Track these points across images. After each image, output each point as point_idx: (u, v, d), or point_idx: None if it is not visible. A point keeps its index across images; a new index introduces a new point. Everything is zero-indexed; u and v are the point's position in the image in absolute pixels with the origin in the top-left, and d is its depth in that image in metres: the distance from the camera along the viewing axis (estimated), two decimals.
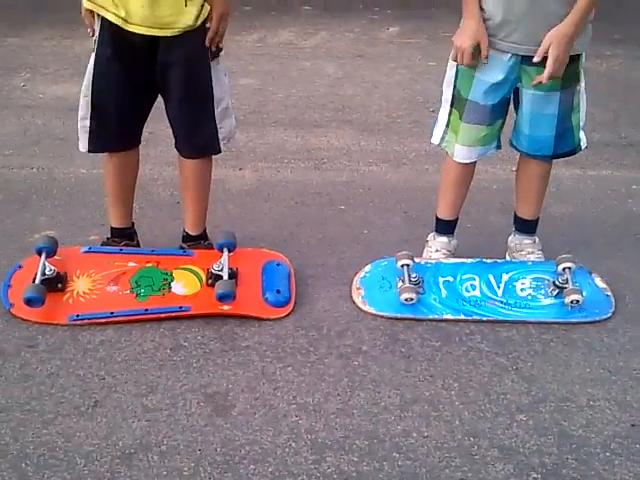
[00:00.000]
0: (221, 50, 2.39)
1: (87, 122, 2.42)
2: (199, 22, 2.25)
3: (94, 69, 2.35)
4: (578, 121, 2.50)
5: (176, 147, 2.53)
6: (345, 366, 2.24)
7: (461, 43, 2.33)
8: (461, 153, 2.53)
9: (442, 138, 2.57)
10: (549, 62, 2.26)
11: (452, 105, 2.49)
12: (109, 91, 2.36)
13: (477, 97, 2.41)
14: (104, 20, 2.27)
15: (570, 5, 2.24)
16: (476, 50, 2.33)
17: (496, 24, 2.30)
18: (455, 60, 2.38)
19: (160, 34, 2.24)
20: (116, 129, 2.44)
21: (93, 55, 2.35)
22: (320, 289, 2.58)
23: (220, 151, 2.52)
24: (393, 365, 2.25)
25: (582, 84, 2.45)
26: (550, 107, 2.41)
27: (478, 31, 2.31)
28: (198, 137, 2.47)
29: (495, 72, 2.37)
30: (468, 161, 2.56)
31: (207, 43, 2.30)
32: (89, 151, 2.48)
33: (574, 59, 2.35)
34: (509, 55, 2.34)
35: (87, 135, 2.44)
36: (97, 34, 2.32)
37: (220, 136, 2.47)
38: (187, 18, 2.23)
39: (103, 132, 2.44)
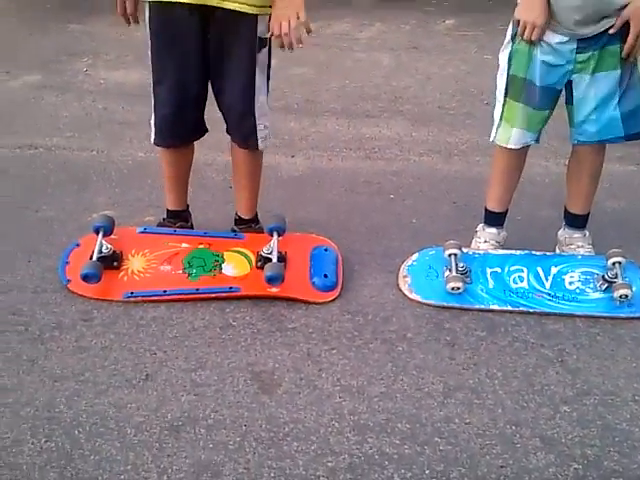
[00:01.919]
0: (265, 44, 2.39)
1: (153, 116, 2.49)
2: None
3: (151, 62, 2.39)
4: None
5: (227, 132, 2.56)
6: (389, 351, 2.27)
7: (533, 18, 2.27)
8: (518, 136, 2.49)
9: (496, 132, 2.55)
10: (630, 37, 2.23)
11: (506, 95, 2.47)
12: (166, 85, 2.40)
13: (534, 77, 2.38)
14: (152, 5, 2.30)
15: None
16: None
17: (552, 5, 2.27)
18: (521, 35, 2.32)
19: (209, 2, 2.24)
20: (172, 126, 2.49)
21: (149, 43, 2.39)
22: (367, 275, 2.61)
23: (258, 148, 2.54)
24: (437, 352, 2.27)
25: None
26: (610, 87, 2.36)
27: (545, 3, 2.26)
28: (239, 129, 2.50)
29: (551, 53, 2.33)
30: (521, 145, 2.52)
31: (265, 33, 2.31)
32: (155, 144, 2.56)
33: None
34: (567, 37, 2.30)
35: (154, 129, 2.51)
36: (147, 23, 2.35)
37: (258, 134, 2.49)
38: None
39: (161, 128, 2.49)
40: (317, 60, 4.45)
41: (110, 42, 4.58)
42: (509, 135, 2.51)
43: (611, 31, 2.26)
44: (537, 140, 2.54)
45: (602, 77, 2.35)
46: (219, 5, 2.25)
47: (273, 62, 2.47)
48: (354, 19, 5.09)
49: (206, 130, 2.57)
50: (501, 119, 2.52)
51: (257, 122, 2.47)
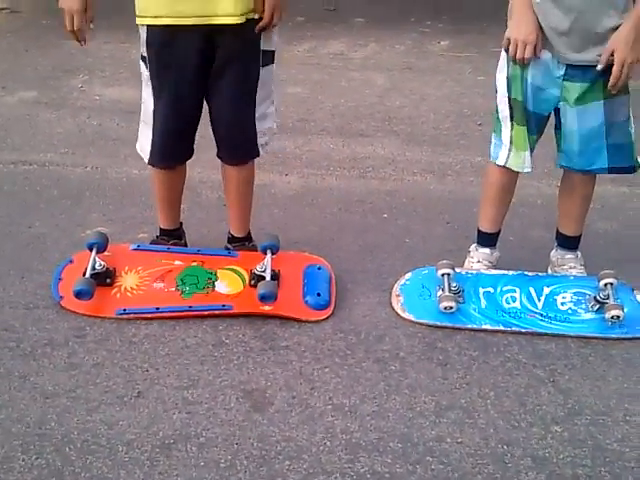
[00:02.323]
0: (273, 57, 2.43)
1: (149, 138, 2.48)
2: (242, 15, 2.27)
3: (151, 84, 2.40)
4: (633, 137, 2.43)
5: (218, 155, 2.57)
6: (382, 370, 2.27)
7: (525, 36, 2.26)
8: (528, 160, 2.48)
9: (508, 157, 2.51)
10: (614, 68, 2.23)
11: (512, 119, 2.45)
12: (166, 107, 2.40)
13: (526, 101, 2.39)
14: (151, 31, 2.31)
15: (619, 17, 2.22)
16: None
17: (546, 29, 2.28)
18: (513, 55, 2.31)
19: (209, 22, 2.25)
20: (171, 148, 2.50)
21: (145, 70, 2.40)
22: (360, 294, 2.61)
23: (258, 154, 2.55)
24: (430, 372, 2.27)
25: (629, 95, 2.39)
26: (596, 119, 2.36)
27: (535, 22, 2.26)
28: (237, 139, 2.51)
29: (544, 78, 2.34)
30: (529, 169, 2.51)
31: (256, 30, 2.31)
32: (149, 164, 2.56)
33: None
34: (557, 65, 2.32)
35: (149, 148, 2.51)
36: (144, 49, 2.36)
37: (259, 140, 2.51)
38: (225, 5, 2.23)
39: (160, 148, 2.49)
40: (312, 79, 4.48)
41: (105, 59, 4.61)
42: (522, 160, 2.49)
43: (598, 67, 2.26)
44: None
45: (587, 109, 2.35)
46: (209, 22, 2.25)
47: (274, 72, 2.49)
48: (349, 39, 5.13)
49: (193, 151, 2.57)
50: (511, 143, 2.48)
51: (258, 131, 2.49)
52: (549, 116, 2.47)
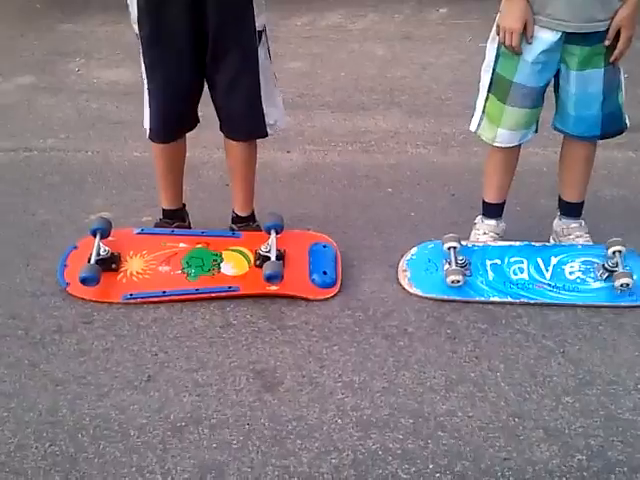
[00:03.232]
0: (262, 34, 2.40)
1: (146, 112, 2.49)
2: None
3: (143, 56, 2.39)
4: (622, 100, 2.47)
5: (221, 129, 2.56)
6: (391, 346, 2.27)
7: (510, 24, 2.29)
8: (505, 137, 2.51)
9: (478, 125, 2.55)
10: (620, 44, 2.28)
11: (489, 90, 2.47)
12: (161, 80, 2.40)
13: (523, 79, 2.38)
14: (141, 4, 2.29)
15: None
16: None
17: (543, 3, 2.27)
18: (503, 42, 2.35)
19: None
20: (166, 123, 2.49)
21: (139, 42, 2.38)
22: (366, 271, 2.60)
23: (267, 134, 2.55)
24: (439, 346, 2.27)
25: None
26: (595, 86, 2.37)
27: (526, 10, 2.27)
28: (245, 121, 2.50)
29: (541, 52, 2.33)
30: (511, 145, 2.53)
31: None
32: (149, 138, 2.55)
33: (616, 34, 2.31)
34: (555, 34, 2.30)
35: (148, 125, 2.51)
36: (135, 22, 2.34)
37: (267, 120, 2.50)
38: None
39: (156, 124, 2.49)
40: (311, 53, 4.43)
41: (101, 41, 4.56)
42: (494, 134, 2.51)
43: (606, 43, 2.29)
44: (536, 130, 2.55)
45: (587, 75, 2.35)
46: None
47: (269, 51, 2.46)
48: (347, 10, 5.06)
49: (198, 121, 2.56)
50: (483, 112, 2.52)
51: (265, 109, 2.47)
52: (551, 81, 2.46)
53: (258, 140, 2.61)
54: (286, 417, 2.02)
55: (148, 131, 2.54)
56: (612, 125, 2.47)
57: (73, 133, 3.57)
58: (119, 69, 4.17)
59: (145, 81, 2.45)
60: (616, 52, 2.31)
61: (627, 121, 2.51)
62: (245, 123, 2.51)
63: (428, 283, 2.51)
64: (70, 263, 2.54)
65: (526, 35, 2.30)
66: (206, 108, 2.50)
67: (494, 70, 2.44)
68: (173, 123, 2.52)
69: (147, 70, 2.40)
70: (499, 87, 2.44)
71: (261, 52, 2.41)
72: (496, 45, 2.41)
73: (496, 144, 2.53)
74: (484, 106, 2.51)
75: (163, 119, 2.48)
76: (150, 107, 2.47)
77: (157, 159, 2.64)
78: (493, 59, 2.43)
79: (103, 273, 2.44)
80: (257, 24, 2.35)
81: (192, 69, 2.39)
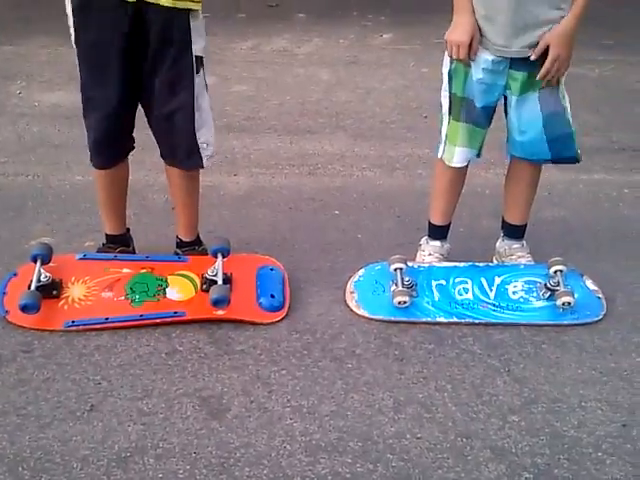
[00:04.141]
0: (202, 62, 2.37)
1: (87, 135, 2.45)
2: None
3: (80, 74, 2.35)
4: (571, 127, 2.46)
5: (161, 156, 2.53)
6: (339, 369, 2.26)
7: (458, 37, 2.32)
8: (460, 156, 2.52)
9: (443, 150, 2.57)
10: (547, 62, 2.29)
11: (450, 113, 2.50)
12: (95, 104, 2.36)
13: (471, 95, 2.42)
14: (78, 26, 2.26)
15: (557, 8, 2.27)
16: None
17: (483, 24, 2.31)
18: (450, 55, 2.38)
19: None
20: (104, 148, 2.46)
21: (76, 58, 2.35)
22: (314, 293, 2.60)
23: (203, 166, 2.51)
24: (386, 368, 2.27)
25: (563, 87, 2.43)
26: (531, 109, 2.40)
27: (472, 24, 2.31)
28: (179, 152, 2.47)
29: (485, 72, 2.37)
30: (461, 164, 2.56)
31: None
32: (90, 161, 2.51)
33: None
34: (499, 58, 2.34)
35: (89, 147, 2.47)
36: (73, 36, 2.30)
37: (203, 152, 2.46)
38: None
39: (95, 145, 2.45)
40: (256, 77, 4.44)
41: (44, 64, 4.49)
42: (452, 154, 2.54)
43: (532, 57, 2.30)
44: (479, 155, 2.58)
45: (524, 99, 2.39)
46: None
47: (212, 79, 2.45)
48: (292, 35, 5.10)
49: (134, 144, 2.53)
50: (446, 137, 2.54)
51: (199, 141, 2.43)
52: (496, 106, 2.49)
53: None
54: (234, 444, 1.99)
55: (89, 155, 2.49)
56: (563, 151, 2.48)
57: (13, 157, 3.49)
58: (61, 92, 4.10)
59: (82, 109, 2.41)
60: (542, 71, 2.30)
61: (579, 151, 2.51)
62: (179, 154, 2.48)
63: (375, 304, 2.52)
64: (9, 290, 2.47)
65: (471, 50, 2.33)
66: (149, 130, 2.47)
67: (450, 92, 2.47)
68: (109, 147, 2.47)
69: (83, 94, 2.36)
70: (455, 106, 2.47)
71: (197, 80, 2.36)
72: (448, 69, 2.44)
73: (454, 164, 2.55)
74: (446, 132, 2.53)
75: (99, 144, 2.44)
76: (88, 132, 2.43)
77: (98, 184, 2.59)
78: (447, 83, 2.47)
79: (44, 300, 2.37)
80: (195, 49, 2.32)
81: (126, 93, 2.35)
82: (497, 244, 2.78)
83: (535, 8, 2.26)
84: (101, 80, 2.31)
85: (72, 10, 2.27)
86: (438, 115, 2.57)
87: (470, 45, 2.32)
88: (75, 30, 2.29)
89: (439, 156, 2.59)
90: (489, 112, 2.48)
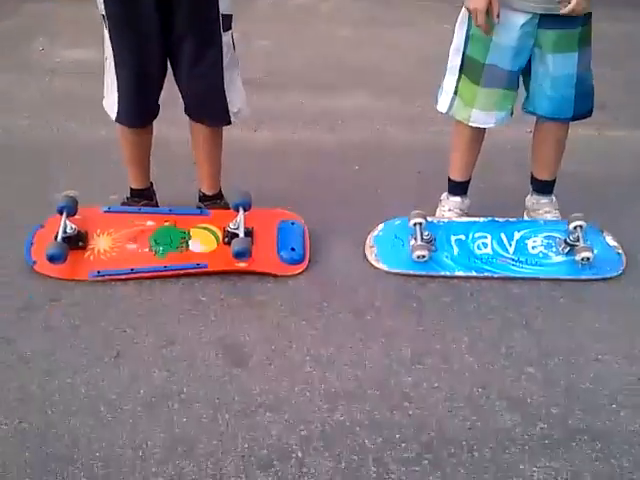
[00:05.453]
0: (231, 21, 2.39)
1: (115, 96, 2.45)
2: None
3: (110, 39, 2.36)
4: (592, 81, 2.51)
5: (186, 112, 2.55)
6: (358, 320, 2.30)
7: (474, 4, 2.32)
8: (480, 118, 2.54)
9: (450, 105, 2.58)
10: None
11: (461, 71, 2.50)
12: (131, 66, 2.37)
13: (496, 61, 2.41)
14: None
15: None
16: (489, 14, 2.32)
17: None
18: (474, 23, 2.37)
19: None
20: (137, 107, 2.48)
21: (104, 24, 2.35)
22: (334, 247, 2.63)
23: (230, 122, 2.54)
24: (405, 319, 2.31)
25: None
26: (569, 68, 2.41)
27: None
28: (207, 105, 2.49)
29: (513, 35, 2.36)
30: (486, 126, 2.57)
31: None
32: (116, 121, 2.53)
33: (588, 19, 2.36)
34: (528, 16, 2.33)
35: (116, 108, 2.48)
36: (102, 7, 2.31)
37: (231, 108, 2.49)
38: None
39: (126, 107, 2.47)
40: (277, 32, 4.41)
41: (66, 21, 4.48)
42: (468, 115, 2.54)
43: (562, 11, 2.27)
44: (511, 114, 2.58)
45: (561, 58, 2.40)
46: None
47: (235, 35, 2.45)
48: None
49: (159, 108, 2.55)
50: (455, 93, 2.54)
51: (227, 99, 2.46)
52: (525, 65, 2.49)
53: None
54: (255, 391, 2.04)
55: (115, 114, 2.50)
56: (583, 106, 2.51)
57: (38, 111, 3.52)
58: (83, 49, 4.10)
59: (111, 65, 2.40)
60: (568, 7, 2.25)
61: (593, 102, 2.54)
62: (208, 111, 2.51)
63: (394, 258, 2.55)
64: (37, 241, 2.53)
65: (492, 14, 2.32)
66: (172, 86, 2.49)
67: (464, 53, 2.47)
68: (144, 109, 2.50)
69: (115, 54, 2.37)
70: (471, 69, 2.47)
71: (225, 38, 2.38)
72: (465, 28, 2.44)
73: (471, 124, 2.56)
74: (456, 87, 2.53)
75: (135, 105, 2.47)
76: (119, 91, 2.44)
77: (125, 142, 2.62)
78: (462, 42, 2.46)
79: (70, 251, 2.43)
80: (222, 8, 2.33)
81: (160, 53, 2.38)
82: (526, 198, 2.79)
83: None
84: (132, 39, 2.32)
85: None
86: None
87: (488, 11, 2.30)
88: (105, 8, 2.29)
89: (443, 110, 2.61)
90: (519, 74, 2.48)
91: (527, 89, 2.54)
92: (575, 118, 2.55)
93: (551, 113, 2.52)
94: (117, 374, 2.08)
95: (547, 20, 2.32)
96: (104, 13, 2.32)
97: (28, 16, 4.57)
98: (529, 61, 2.45)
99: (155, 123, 2.62)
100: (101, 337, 2.21)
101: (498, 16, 2.33)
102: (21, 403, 1.99)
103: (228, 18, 2.38)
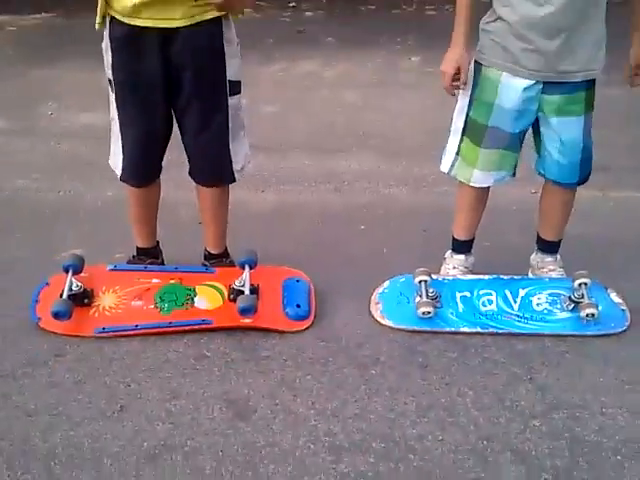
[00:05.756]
0: (240, 87, 2.45)
1: (120, 156, 2.51)
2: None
3: (116, 103, 2.42)
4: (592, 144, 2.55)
5: (190, 174, 2.60)
6: (363, 375, 2.30)
7: (443, 67, 2.43)
8: (479, 178, 2.59)
9: (452, 166, 2.63)
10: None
11: (463, 133, 2.56)
12: (136, 129, 2.44)
13: (498, 123, 2.46)
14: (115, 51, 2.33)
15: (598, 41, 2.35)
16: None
17: (519, 51, 2.35)
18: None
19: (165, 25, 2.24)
20: (141, 167, 2.54)
21: (112, 93, 2.42)
22: (339, 304, 2.64)
23: (235, 180, 2.59)
24: (410, 374, 2.30)
25: None
26: (575, 132, 2.46)
27: (461, 57, 2.41)
28: (213, 167, 2.55)
29: (515, 99, 2.41)
30: (485, 185, 2.62)
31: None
32: (121, 179, 2.59)
33: (592, 84, 2.42)
34: (530, 82, 2.38)
35: (121, 166, 2.53)
36: (110, 72, 2.38)
37: (235, 167, 2.54)
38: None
39: (130, 167, 2.53)
40: (284, 98, 4.52)
41: (74, 86, 4.60)
42: (470, 175, 2.59)
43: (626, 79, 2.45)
44: (513, 174, 2.63)
45: (568, 122, 2.44)
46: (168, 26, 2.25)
47: (242, 101, 2.52)
48: (320, 59, 5.17)
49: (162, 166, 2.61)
50: (457, 154, 2.60)
51: (233, 161, 2.51)
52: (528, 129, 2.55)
53: None
54: (259, 443, 2.03)
55: (120, 173, 2.56)
56: (586, 170, 2.56)
57: (45, 174, 3.59)
58: (91, 113, 4.20)
59: (117, 126, 2.47)
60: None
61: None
62: (212, 169, 2.56)
63: (400, 315, 2.55)
64: (42, 299, 2.55)
65: (460, 79, 2.42)
66: (178, 149, 2.55)
67: (467, 115, 2.53)
68: (148, 169, 2.56)
69: (121, 117, 2.44)
70: (473, 131, 2.53)
71: (232, 102, 2.43)
72: (469, 91, 2.50)
73: (472, 184, 2.61)
74: (458, 147, 2.59)
75: (138, 165, 2.52)
76: (124, 153, 2.50)
77: (132, 201, 2.66)
78: (466, 104, 2.52)
79: (75, 308, 2.45)
80: (229, 74, 2.39)
81: (165, 117, 2.44)
82: (531, 257, 2.81)
83: (583, 34, 2.30)
84: (138, 103, 2.39)
85: (110, 42, 2.34)
86: None
87: (456, 75, 2.41)
88: (112, 61, 2.36)
89: (445, 170, 2.66)
90: (522, 136, 2.54)
91: (537, 151, 2.59)
92: (579, 183, 2.60)
93: (560, 178, 2.57)
94: (120, 427, 2.08)
95: (551, 86, 2.38)
96: (111, 78, 2.40)
97: (36, 81, 4.69)
98: (537, 122, 2.50)
99: (162, 184, 2.67)
100: (105, 392, 2.21)
101: (465, 83, 2.42)
102: (24, 455, 1.98)
103: (236, 84, 2.44)
